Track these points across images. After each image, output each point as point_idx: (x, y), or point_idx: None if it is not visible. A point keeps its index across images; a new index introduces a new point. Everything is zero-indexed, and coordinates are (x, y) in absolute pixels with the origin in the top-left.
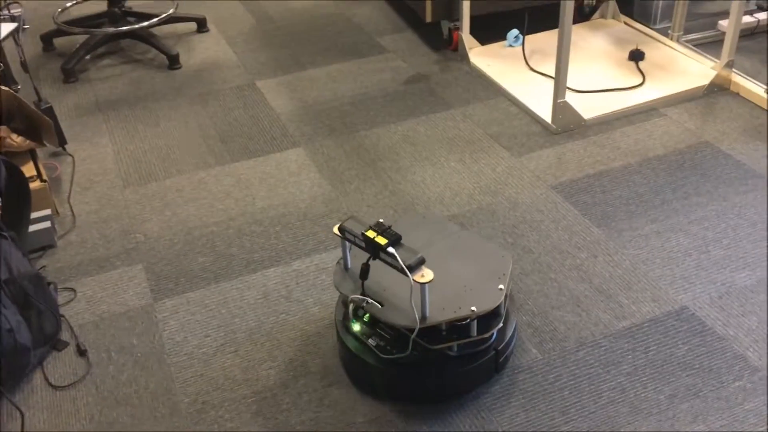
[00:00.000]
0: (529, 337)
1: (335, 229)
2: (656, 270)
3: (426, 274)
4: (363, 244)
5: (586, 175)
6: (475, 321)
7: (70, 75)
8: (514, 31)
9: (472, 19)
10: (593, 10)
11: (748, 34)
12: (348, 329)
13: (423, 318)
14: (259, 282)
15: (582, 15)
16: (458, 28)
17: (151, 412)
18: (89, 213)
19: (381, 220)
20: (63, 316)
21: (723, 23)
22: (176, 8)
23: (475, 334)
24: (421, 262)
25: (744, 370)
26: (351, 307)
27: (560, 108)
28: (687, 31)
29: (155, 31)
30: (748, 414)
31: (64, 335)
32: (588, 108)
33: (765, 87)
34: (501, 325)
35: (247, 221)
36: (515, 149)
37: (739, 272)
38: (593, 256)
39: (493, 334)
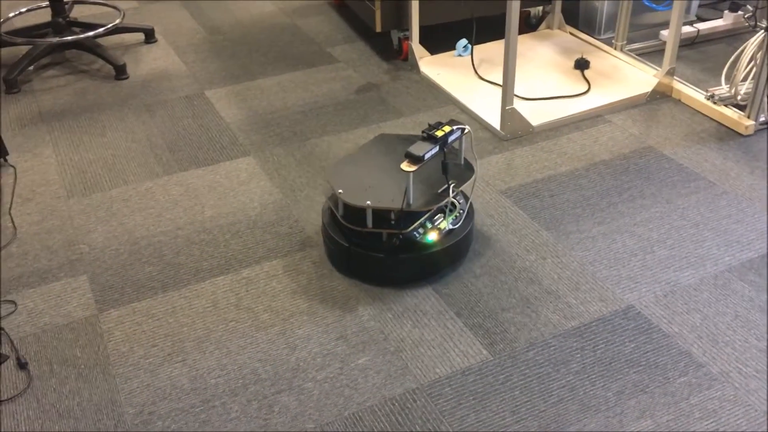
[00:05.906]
0: (480, 338)
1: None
2: (603, 271)
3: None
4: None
5: (534, 179)
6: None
7: (12, 86)
8: (463, 41)
9: (422, 29)
10: (539, 20)
11: (689, 43)
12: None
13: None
14: (208, 290)
15: (529, 25)
16: (408, 38)
17: (95, 424)
18: (31, 224)
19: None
20: (3, 329)
21: (664, 33)
22: (122, 18)
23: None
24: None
25: (689, 366)
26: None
27: (508, 115)
28: (630, 41)
29: (101, 41)
30: (693, 408)
31: (4, 348)
32: (536, 115)
33: (705, 93)
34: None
35: (195, 230)
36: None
37: (682, 271)
38: (542, 258)
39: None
